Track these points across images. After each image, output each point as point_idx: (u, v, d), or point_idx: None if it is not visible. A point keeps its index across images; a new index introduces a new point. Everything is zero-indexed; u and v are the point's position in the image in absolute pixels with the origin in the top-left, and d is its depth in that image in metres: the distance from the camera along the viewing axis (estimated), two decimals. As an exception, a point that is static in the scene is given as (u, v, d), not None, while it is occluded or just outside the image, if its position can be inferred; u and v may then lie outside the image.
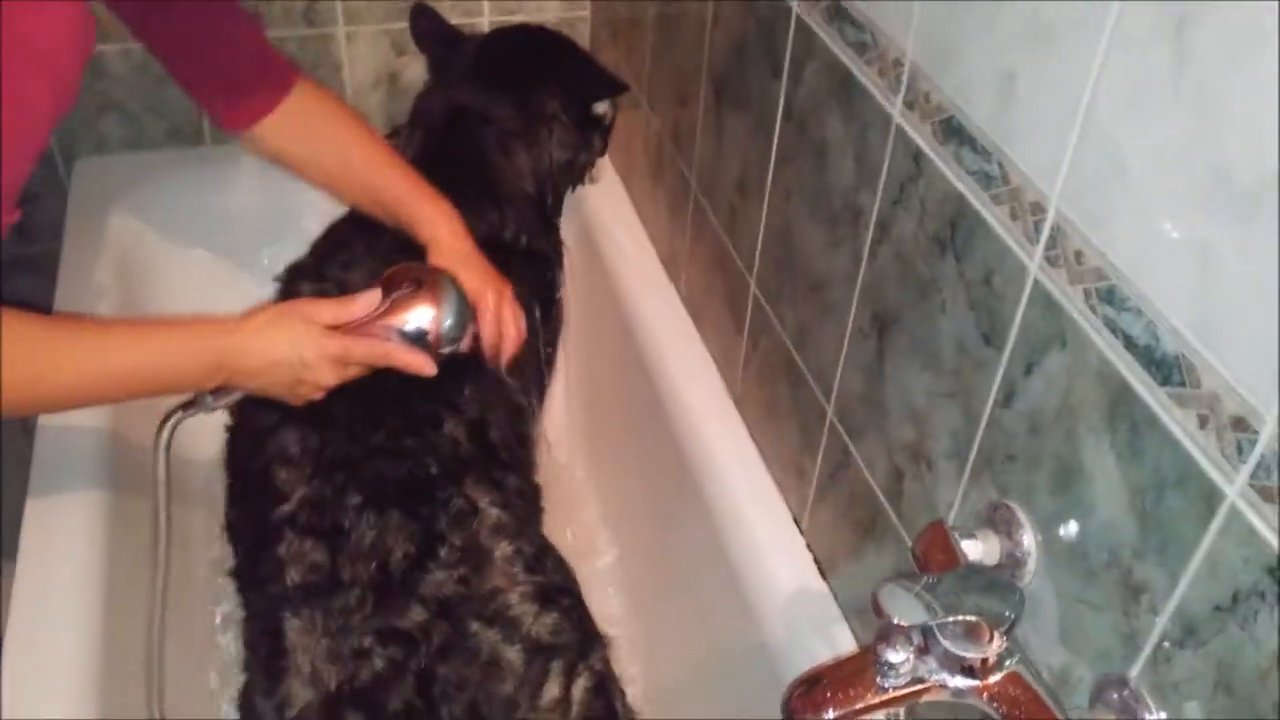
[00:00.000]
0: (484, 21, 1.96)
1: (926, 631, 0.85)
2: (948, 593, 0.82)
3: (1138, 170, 0.75)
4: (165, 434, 1.16)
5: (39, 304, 1.64)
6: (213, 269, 1.75)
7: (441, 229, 1.38)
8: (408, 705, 1.02)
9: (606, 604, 1.72)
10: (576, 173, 1.63)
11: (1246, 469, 0.68)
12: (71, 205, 1.84)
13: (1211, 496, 0.71)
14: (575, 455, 1.96)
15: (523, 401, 1.40)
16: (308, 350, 1.13)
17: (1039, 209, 0.84)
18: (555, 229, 1.63)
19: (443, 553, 1.11)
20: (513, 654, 1.06)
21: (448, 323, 1.19)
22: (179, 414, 1.18)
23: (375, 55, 1.95)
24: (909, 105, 1.01)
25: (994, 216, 0.90)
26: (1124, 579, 0.80)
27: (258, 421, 1.27)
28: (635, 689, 1.62)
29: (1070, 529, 0.86)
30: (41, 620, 1.17)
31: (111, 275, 1.69)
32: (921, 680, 0.84)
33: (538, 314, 1.49)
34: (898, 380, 1.08)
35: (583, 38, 1.98)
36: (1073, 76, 0.79)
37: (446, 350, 1.20)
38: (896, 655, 0.83)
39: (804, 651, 1.21)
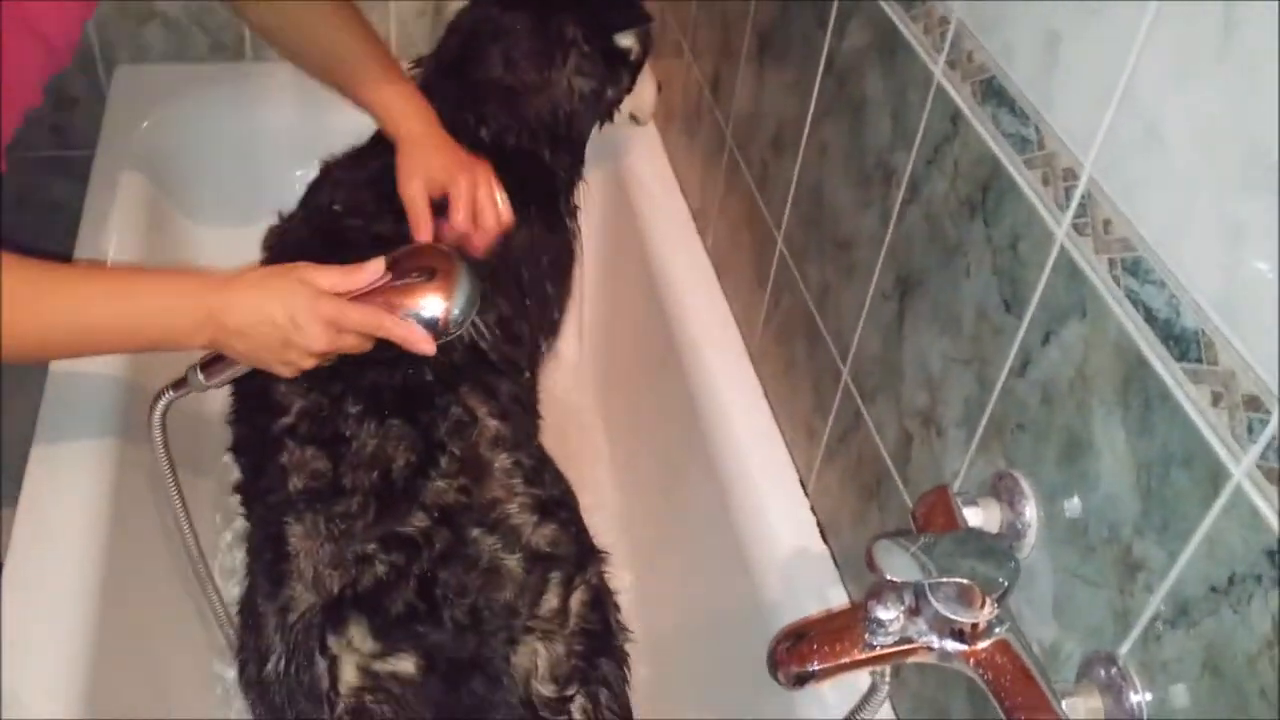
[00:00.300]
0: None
1: (919, 592, 0.84)
2: (943, 554, 0.81)
3: (1175, 140, 0.73)
4: (157, 413, 1.14)
5: (74, 207, 1.65)
6: (243, 183, 1.75)
7: (409, 116, 1.36)
8: (409, 608, 1.02)
9: (608, 549, 1.72)
10: (603, 107, 1.60)
11: (1256, 449, 0.67)
12: (109, 111, 1.85)
13: (1218, 475, 0.70)
14: (586, 398, 1.96)
15: (507, 311, 1.38)
16: (299, 309, 1.05)
17: (1071, 175, 0.83)
18: (572, 157, 1.59)
19: (443, 461, 1.11)
20: (512, 562, 1.07)
21: (456, 311, 1.10)
22: (169, 393, 1.14)
23: (421, -15, 1.94)
24: (951, 64, 0.99)
25: (1026, 181, 0.88)
26: (1122, 556, 0.79)
27: None
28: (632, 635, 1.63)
29: (1073, 503, 0.85)
30: (42, 564, 1.16)
31: (142, 183, 1.70)
32: (909, 640, 0.83)
33: (537, 226, 1.48)
34: (915, 344, 1.07)
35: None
36: (1118, 40, 0.77)
37: (451, 335, 1.12)
38: (887, 613, 0.83)
39: (798, 611, 1.20)
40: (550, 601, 1.07)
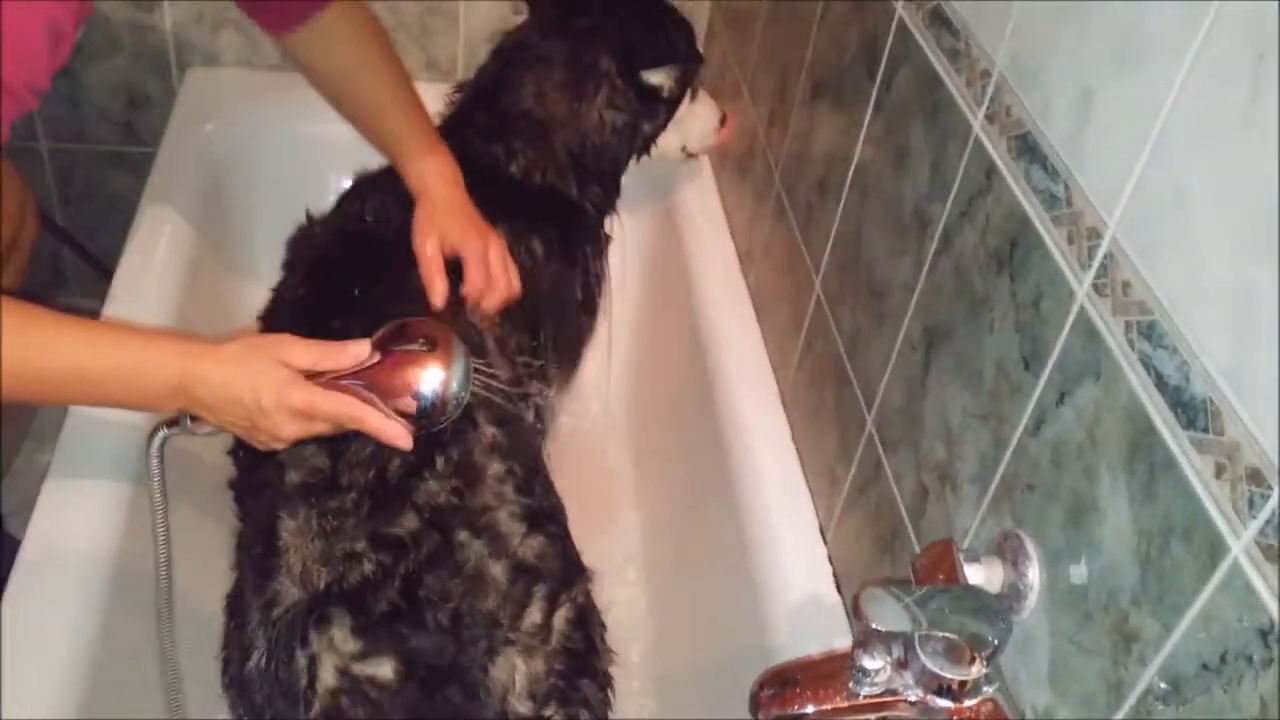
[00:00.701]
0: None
1: (907, 645, 0.83)
2: (936, 607, 0.80)
3: (1197, 203, 0.72)
4: (154, 446, 1.11)
5: (134, 200, 1.69)
6: (297, 188, 1.77)
7: (430, 174, 1.38)
8: (393, 608, 1.02)
9: (623, 575, 1.71)
10: (638, 141, 1.59)
11: (1256, 525, 0.65)
12: (176, 111, 1.90)
13: (1216, 549, 0.68)
14: (616, 424, 1.96)
15: (526, 342, 1.41)
16: (266, 396, 1.01)
17: (1095, 235, 0.82)
18: (603, 190, 1.59)
19: (439, 463, 1.12)
20: (498, 570, 1.07)
21: (455, 385, 1.04)
22: (164, 430, 1.11)
23: (492, 8, 1.97)
24: (990, 118, 0.98)
25: (1052, 238, 0.87)
26: (1118, 624, 0.77)
27: None
28: (636, 666, 1.62)
29: (1077, 569, 0.83)
30: (43, 597, 1.14)
31: (201, 181, 1.74)
32: (894, 693, 0.82)
33: (557, 262, 1.50)
34: (938, 396, 1.06)
35: (699, 25, 1.98)
36: (1149, 100, 0.76)
37: (445, 420, 1.05)
38: (873, 662, 0.81)
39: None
40: (533, 615, 1.07)
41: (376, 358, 1.04)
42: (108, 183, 2.09)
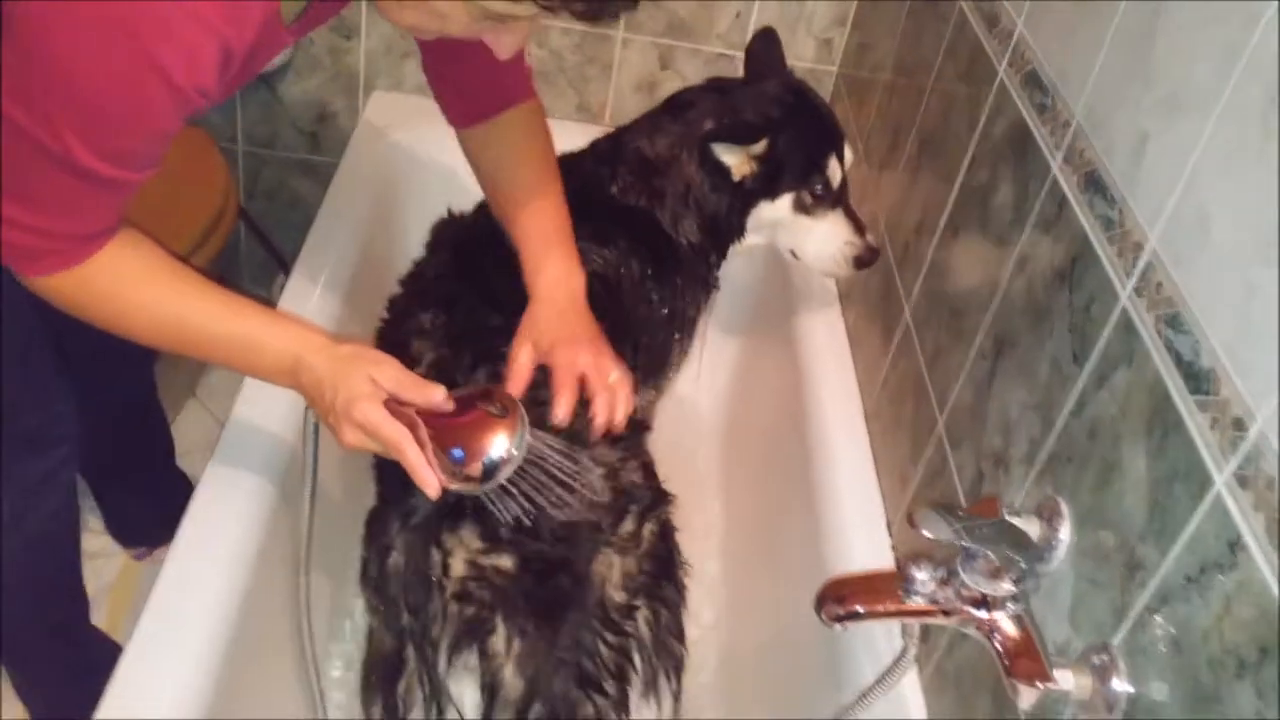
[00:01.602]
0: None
1: (949, 568, 1.00)
2: (977, 529, 0.97)
3: (1218, 221, 0.90)
4: (310, 423, 1.21)
5: (313, 205, 1.94)
6: (458, 204, 2.02)
7: (545, 278, 1.39)
8: (515, 519, 1.14)
9: (704, 566, 1.89)
10: (715, 210, 1.66)
11: (1235, 460, 0.82)
12: (359, 129, 2.16)
13: (1204, 484, 0.85)
14: (711, 434, 2.15)
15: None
16: (340, 400, 1.12)
17: (1138, 248, 1.00)
18: (703, 233, 1.67)
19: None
20: (601, 485, 1.26)
21: (515, 452, 1.12)
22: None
23: (643, 63, 2.22)
24: (1067, 160, 1.17)
25: (1105, 254, 1.06)
26: (1127, 559, 0.94)
27: (399, 307, 1.52)
28: (708, 649, 1.79)
29: (1101, 522, 1.00)
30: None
31: (373, 194, 1.98)
32: (937, 603, 0.99)
33: (632, 271, 1.59)
34: (1001, 395, 1.24)
35: (825, 90, 2.20)
36: (1188, 141, 0.95)
37: (484, 482, 1.12)
38: (921, 574, 0.99)
39: (869, 653, 1.33)
40: (628, 526, 1.26)
41: (450, 407, 1.14)
42: (291, 186, 2.37)
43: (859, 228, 1.72)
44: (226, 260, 2.42)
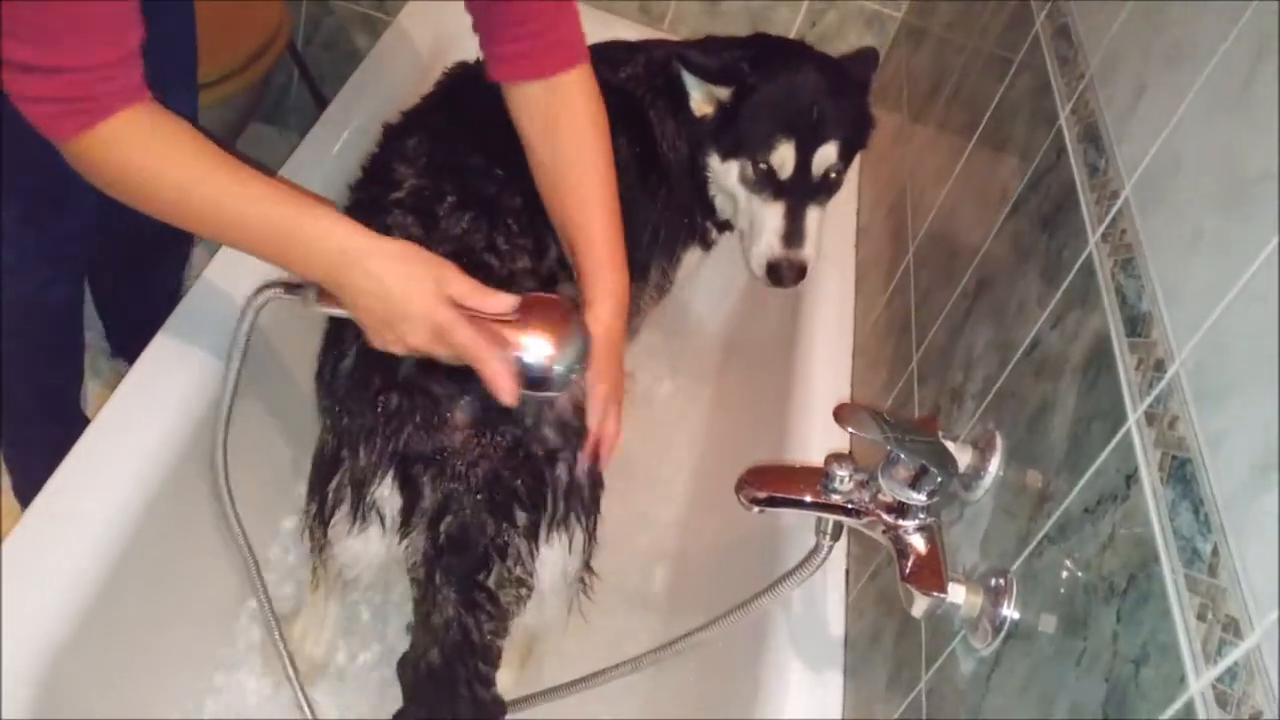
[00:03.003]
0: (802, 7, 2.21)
1: (872, 475, 1.03)
2: (905, 439, 0.99)
3: (1187, 170, 0.91)
4: (255, 303, 1.20)
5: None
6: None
7: (603, 304, 1.30)
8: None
9: (679, 473, 1.93)
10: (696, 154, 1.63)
11: (1150, 398, 0.84)
12: (388, 34, 2.11)
13: (1119, 420, 0.87)
14: (705, 349, 2.18)
15: None
16: (416, 303, 1.08)
17: (1115, 196, 1.01)
18: (689, 175, 1.65)
19: (499, 240, 1.32)
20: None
21: (559, 368, 1.12)
22: (277, 290, 1.19)
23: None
24: (1074, 111, 1.18)
25: (1085, 201, 1.07)
26: (1041, 491, 0.96)
27: (391, 133, 1.54)
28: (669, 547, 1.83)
29: (1028, 458, 1.02)
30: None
31: (420, 55, 2.00)
32: (851, 502, 1.02)
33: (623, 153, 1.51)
34: (971, 334, 1.25)
35: (886, 33, 2.19)
36: (1179, 92, 0.95)
37: (544, 391, 1.14)
38: (842, 470, 1.01)
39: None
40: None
41: (515, 316, 1.12)
42: (350, 38, 2.40)
43: (793, 235, 1.56)
44: (274, 101, 2.47)
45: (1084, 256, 1.03)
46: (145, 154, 1.08)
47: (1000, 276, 1.22)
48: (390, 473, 1.20)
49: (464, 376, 1.15)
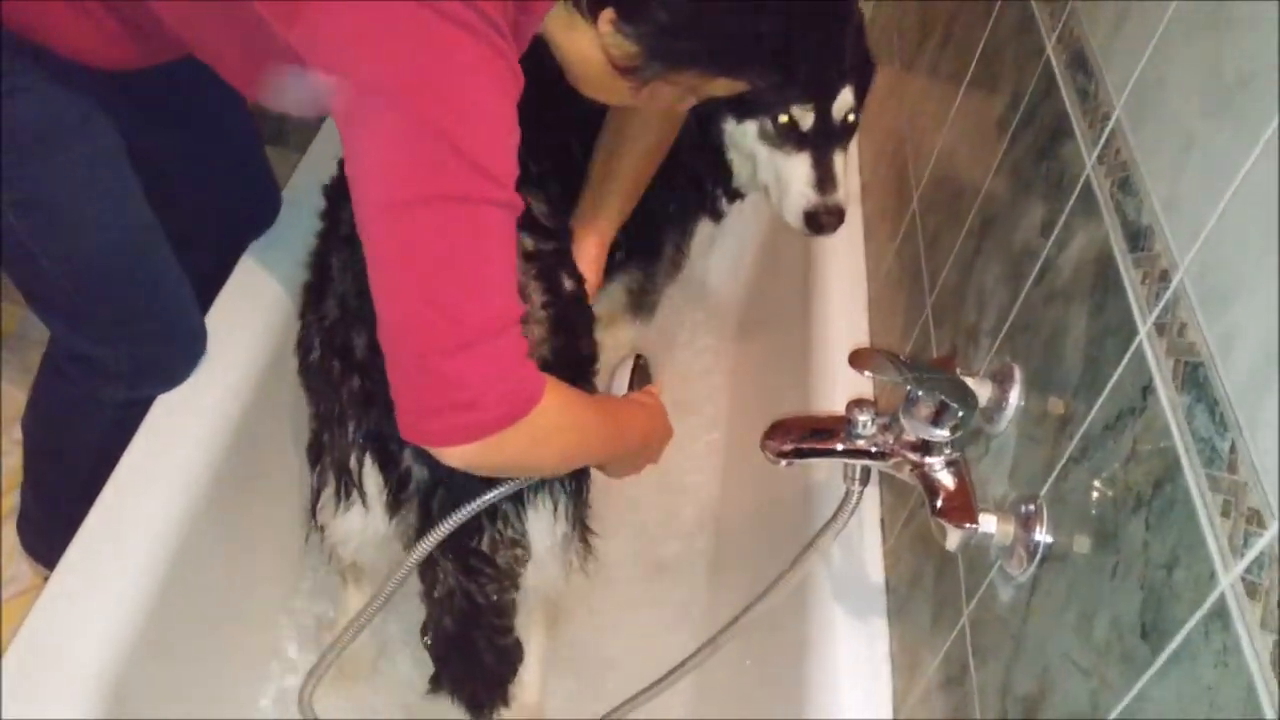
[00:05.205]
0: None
1: (894, 417, 1.04)
2: (922, 377, 1.01)
3: (1173, 84, 0.92)
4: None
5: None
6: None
7: (610, 222, 1.56)
8: None
9: (707, 434, 1.95)
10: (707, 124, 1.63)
11: (1158, 309, 0.85)
12: None
13: (1130, 334, 0.88)
14: (722, 315, 2.19)
15: None
16: (663, 439, 1.41)
17: (1106, 118, 1.02)
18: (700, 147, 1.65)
19: None
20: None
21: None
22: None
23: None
24: (1060, 39, 1.18)
25: (1078, 127, 1.07)
26: (1062, 416, 0.97)
27: None
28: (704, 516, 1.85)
29: (1046, 386, 1.03)
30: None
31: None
32: (876, 446, 1.03)
33: None
34: (980, 271, 1.26)
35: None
36: (1161, 9, 0.96)
37: None
38: (863, 416, 1.03)
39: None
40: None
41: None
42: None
43: (825, 181, 1.54)
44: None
45: (1082, 180, 1.04)
46: (568, 407, 1.13)
47: (1003, 212, 1.23)
48: (366, 452, 1.25)
49: None
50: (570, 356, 1.31)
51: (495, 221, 1.00)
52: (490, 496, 1.18)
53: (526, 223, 1.36)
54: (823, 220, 1.54)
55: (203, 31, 1.19)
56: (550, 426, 1.08)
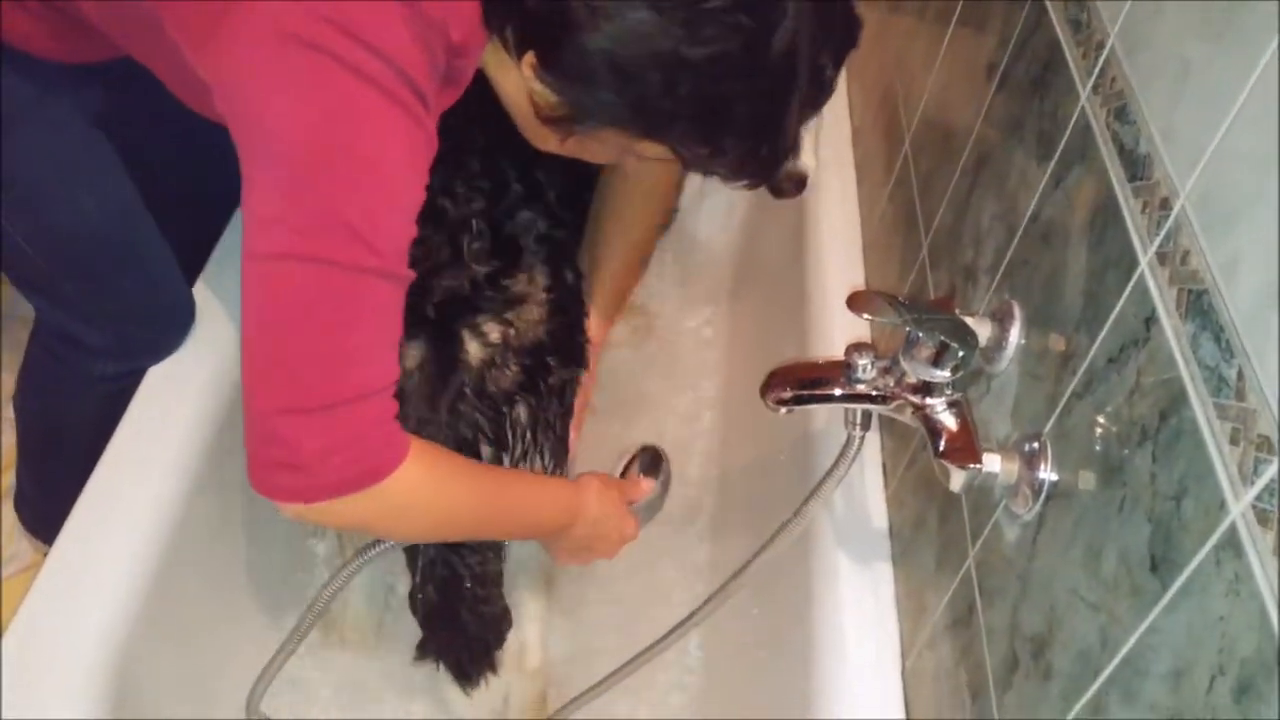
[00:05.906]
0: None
1: (894, 360, 1.03)
2: (921, 318, 0.99)
3: (1169, 8, 0.90)
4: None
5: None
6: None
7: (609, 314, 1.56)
8: None
9: (700, 389, 1.93)
10: None
11: (1159, 239, 0.83)
12: None
13: (1131, 265, 0.86)
14: (715, 271, 2.19)
15: None
16: (622, 527, 1.34)
17: (1100, 46, 1.00)
18: None
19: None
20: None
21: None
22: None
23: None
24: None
25: (1071, 56, 1.05)
26: (1064, 352, 0.96)
27: None
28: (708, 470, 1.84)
29: (1047, 322, 1.02)
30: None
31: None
32: (877, 389, 1.02)
33: None
34: (976, 210, 1.25)
35: None
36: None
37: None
38: (863, 359, 1.02)
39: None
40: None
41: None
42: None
43: None
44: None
45: (1077, 112, 1.02)
46: (437, 471, 1.06)
47: (998, 149, 1.22)
48: None
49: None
50: (564, 340, 1.31)
51: (369, 290, 0.95)
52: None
53: (541, 207, 1.35)
54: (781, 185, 1.48)
55: (128, 38, 1.16)
56: (405, 502, 1.03)
